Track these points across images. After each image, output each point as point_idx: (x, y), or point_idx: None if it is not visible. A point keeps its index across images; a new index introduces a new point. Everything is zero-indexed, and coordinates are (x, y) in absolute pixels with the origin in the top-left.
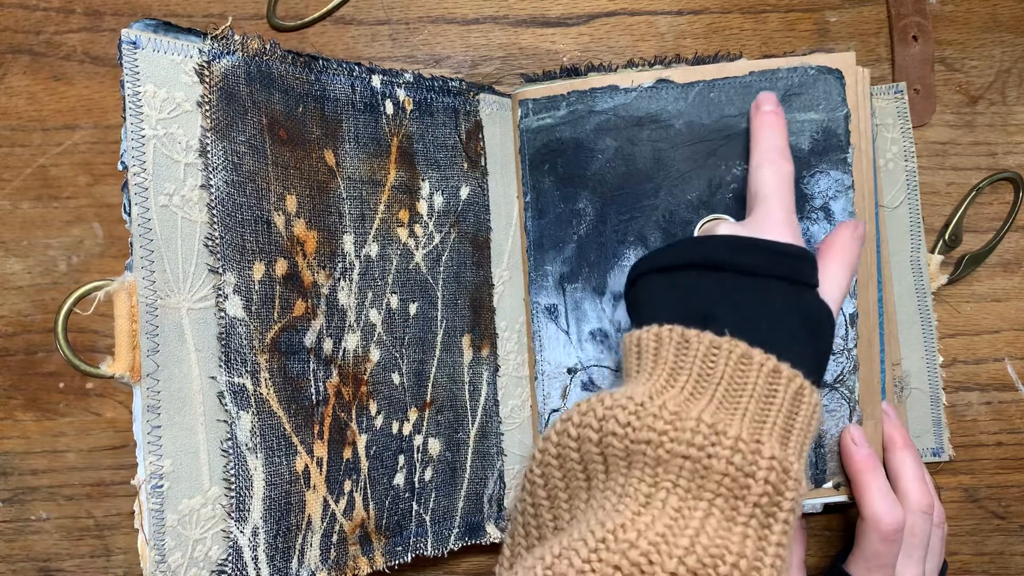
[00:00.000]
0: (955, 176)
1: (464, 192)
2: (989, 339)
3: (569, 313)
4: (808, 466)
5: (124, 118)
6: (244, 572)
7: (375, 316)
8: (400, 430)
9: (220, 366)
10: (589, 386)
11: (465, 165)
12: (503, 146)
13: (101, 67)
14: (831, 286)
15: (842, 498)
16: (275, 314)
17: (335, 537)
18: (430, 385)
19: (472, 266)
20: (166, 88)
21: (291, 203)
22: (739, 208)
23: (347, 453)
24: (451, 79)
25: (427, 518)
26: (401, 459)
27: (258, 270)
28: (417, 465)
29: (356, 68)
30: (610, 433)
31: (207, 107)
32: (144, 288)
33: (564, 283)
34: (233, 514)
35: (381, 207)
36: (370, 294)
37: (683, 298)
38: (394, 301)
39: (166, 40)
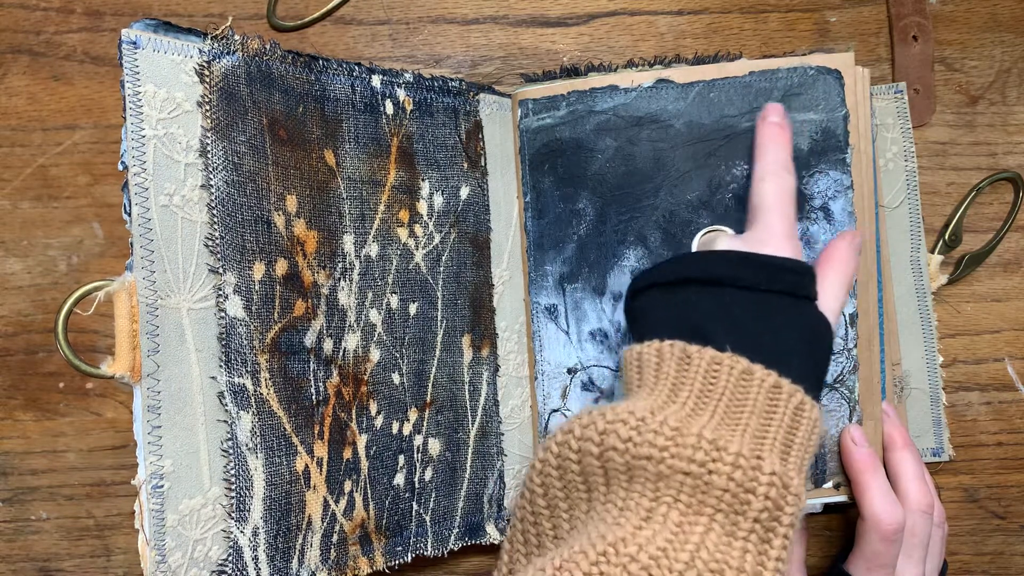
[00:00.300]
0: (955, 176)
1: (464, 192)
2: (989, 339)
3: (569, 313)
4: (808, 468)
5: (124, 118)
6: (244, 572)
7: (375, 316)
8: (400, 430)
9: (220, 366)
10: (589, 386)
11: (465, 165)
12: (503, 146)
13: (101, 67)
14: (829, 298)
15: (842, 498)
16: (275, 314)
17: (335, 537)
18: (430, 385)
19: (472, 266)
20: (166, 88)
21: (291, 203)
22: (739, 208)
23: (347, 453)
24: (451, 79)
25: (427, 518)
26: (401, 459)
27: (258, 270)
28: (417, 465)
29: (356, 68)
30: (611, 448)
31: (207, 107)
32: (144, 288)
33: (564, 283)
34: (233, 514)
35: (381, 207)
36: (370, 294)
37: (684, 314)
38: (394, 301)
39: (166, 40)
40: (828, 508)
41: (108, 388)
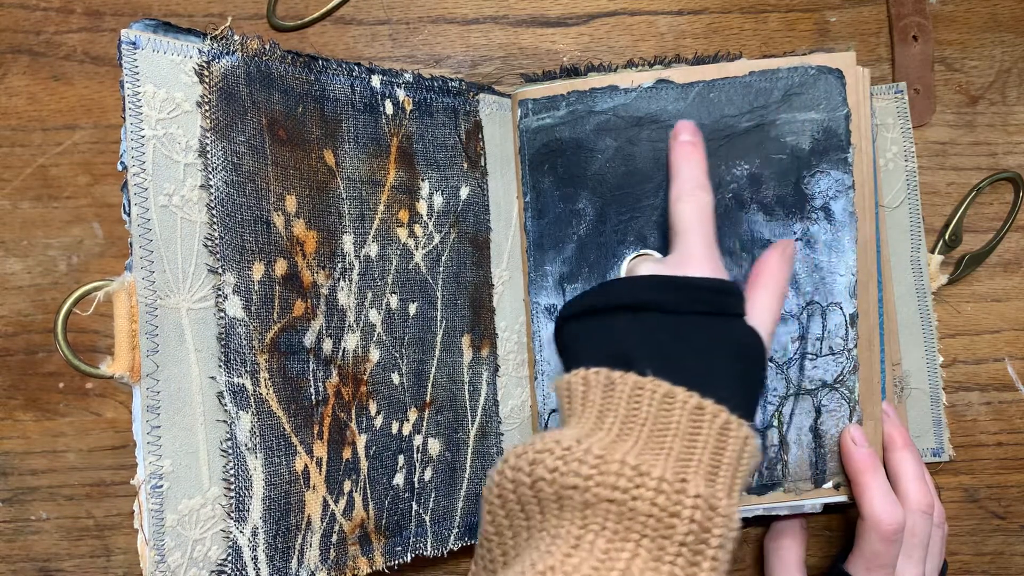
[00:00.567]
0: (955, 176)
1: (464, 192)
2: (989, 339)
3: None
4: (808, 467)
5: (124, 118)
6: (244, 572)
7: (375, 316)
8: (400, 430)
9: (220, 366)
10: None
11: (465, 165)
12: (503, 146)
13: (101, 67)
14: (759, 312)
15: (842, 498)
16: (275, 314)
17: (335, 537)
18: (430, 385)
19: (472, 266)
20: (166, 88)
21: (291, 203)
22: (739, 208)
23: (347, 453)
24: (451, 79)
25: (427, 518)
26: (401, 459)
27: (258, 270)
28: (417, 465)
29: (356, 68)
30: (540, 479)
31: (207, 107)
32: (144, 288)
33: (564, 283)
34: (233, 514)
35: (381, 207)
36: (370, 294)
37: (607, 341)
38: (394, 301)
39: (166, 40)
40: (828, 508)
41: (108, 388)
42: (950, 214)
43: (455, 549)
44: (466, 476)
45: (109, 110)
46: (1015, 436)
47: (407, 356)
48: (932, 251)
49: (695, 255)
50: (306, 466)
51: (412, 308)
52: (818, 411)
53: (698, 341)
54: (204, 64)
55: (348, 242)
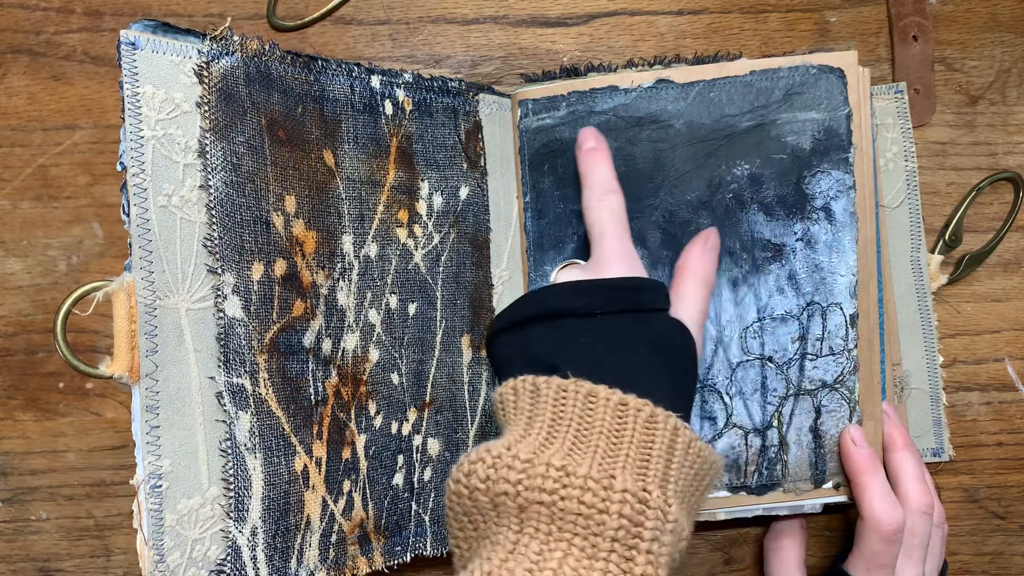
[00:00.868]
0: (955, 176)
1: (463, 192)
2: (989, 339)
3: None
4: (808, 467)
5: (123, 119)
6: (243, 572)
7: (374, 316)
8: (399, 430)
9: (219, 366)
10: None
11: (464, 165)
12: (503, 146)
13: (101, 67)
14: (685, 304)
15: (842, 498)
16: (274, 314)
17: (334, 537)
18: (429, 385)
19: (471, 266)
20: (165, 89)
21: (290, 203)
22: (739, 208)
23: (346, 453)
24: (451, 79)
25: (426, 518)
26: (400, 459)
27: (257, 270)
28: (416, 465)
29: (355, 68)
30: (475, 488)
31: (206, 108)
32: (143, 288)
33: None
34: (232, 514)
35: (380, 207)
36: (369, 294)
37: (532, 350)
38: (393, 301)
39: (165, 41)
40: (828, 508)
41: (108, 388)
42: (950, 214)
43: None
44: None
45: (109, 110)
46: (1015, 436)
47: (407, 356)
48: (932, 251)
49: (610, 257)
50: (305, 466)
51: (412, 308)
52: (818, 411)
53: (617, 340)
54: (203, 65)
55: (347, 242)
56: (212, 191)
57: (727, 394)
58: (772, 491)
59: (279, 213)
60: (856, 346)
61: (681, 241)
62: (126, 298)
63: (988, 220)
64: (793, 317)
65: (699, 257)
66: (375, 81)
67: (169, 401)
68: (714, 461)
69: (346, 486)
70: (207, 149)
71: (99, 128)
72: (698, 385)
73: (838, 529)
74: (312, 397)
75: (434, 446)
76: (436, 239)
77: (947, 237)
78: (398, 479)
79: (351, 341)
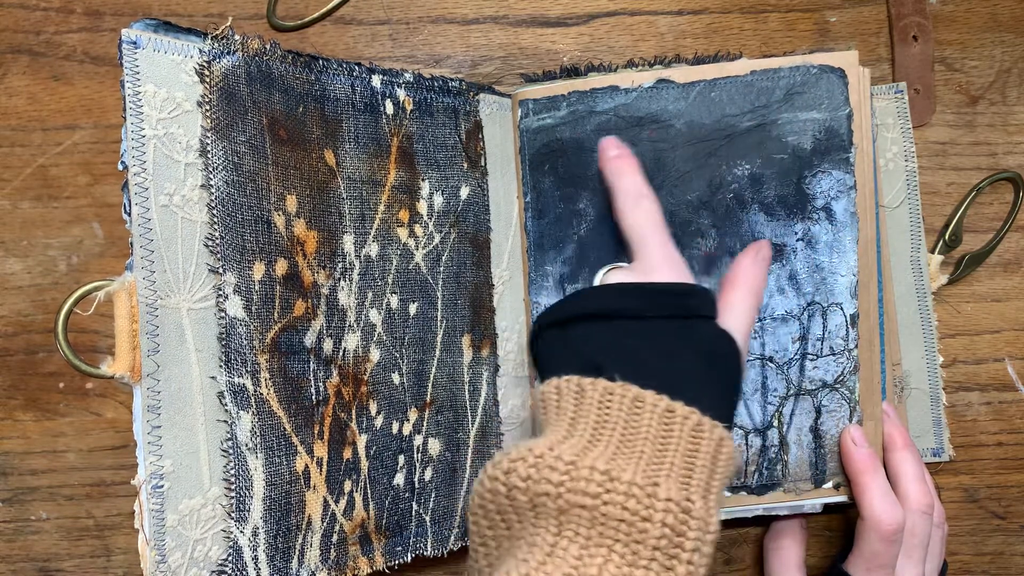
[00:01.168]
0: (955, 176)
1: (464, 192)
2: (989, 339)
3: None
4: (808, 467)
5: (124, 118)
6: (244, 572)
7: (375, 316)
8: (400, 430)
9: (220, 366)
10: None
11: (465, 165)
12: (503, 146)
13: (101, 67)
14: (733, 314)
15: (842, 498)
16: (275, 314)
17: (335, 537)
18: (430, 385)
19: (472, 266)
20: (166, 88)
21: (291, 203)
22: (739, 208)
23: (347, 453)
24: (451, 79)
25: (427, 518)
26: (401, 459)
27: (258, 270)
28: (417, 465)
29: (356, 68)
30: (514, 487)
31: (207, 107)
32: (144, 288)
33: (564, 283)
34: (233, 514)
35: (381, 207)
36: (370, 294)
37: (578, 350)
38: (394, 301)
39: (166, 40)
40: (828, 508)
41: (108, 388)
42: (950, 214)
43: (455, 549)
44: (466, 476)
45: (109, 110)
46: (1015, 436)
47: (407, 356)
48: (932, 251)
49: (656, 261)
50: (307, 466)
51: (412, 308)
52: (818, 411)
53: (665, 345)
54: (205, 64)
55: (348, 242)
56: (213, 190)
57: None
58: (772, 491)
59: (280, 213)
60: (856, 346)
61: (681, 241)
62: (127, 297)
63: (988, 220)
64: (794, 317)
65: (750, 268)
66: (376, 81)
67: (170, 401)
68: (738, 467)
69: (347, 486)
70: (208, 148)
71: (99, 128)
72: None
73: (838, 529)
74: (313, 397)
75: (435, 446)
76: (437, 239)
77: (947, 237)
78: (399, 479)
79: (352, 341)
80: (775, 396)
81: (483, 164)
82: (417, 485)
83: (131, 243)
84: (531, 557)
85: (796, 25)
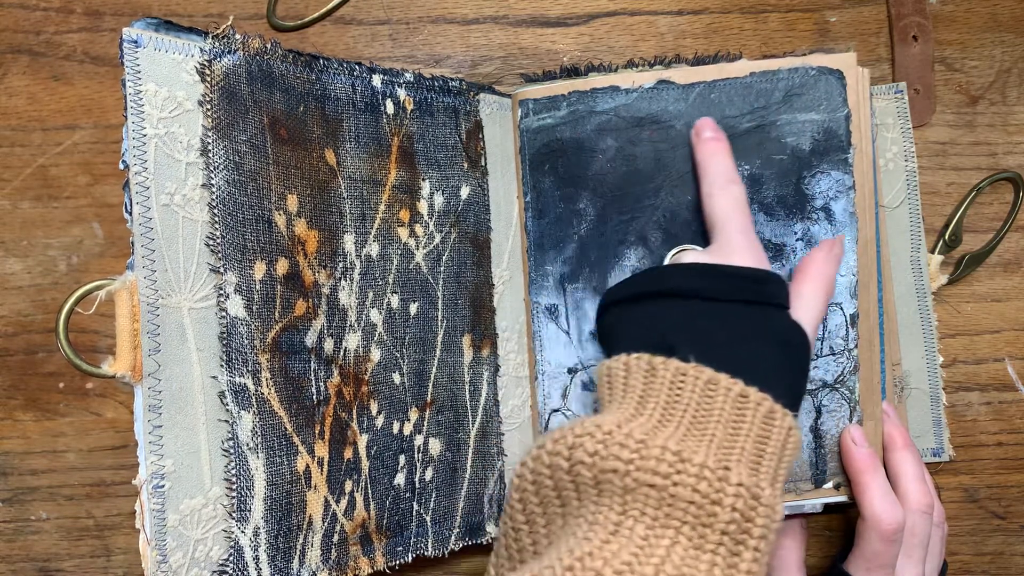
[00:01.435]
0: (955, 176)
1: (464, 192)
2: (989, 339)
3: (570, 313)
4: (808, 467)
5: (125, 117)
6: (245, 572)
7: (376, 316)
8: (401, 430)
9: (221, 366)
10: (589, 386)
11: (465, 165)
12: (503, 146)
13: (101, 67)
14: (805, 307)
15: (842, 498)
16: (276, 314)
17: (336, 537)
18: (431, 385)
19: (472, 266)
20: (167, 87)
21: (292, 202)
22: None
23: (348, 453)
24: (451, 79)
25: (428, 518)
26: (402, 459)
27: (259, 269)
28: (418, 465)
29: (357, 68)
30: (579, 462)
31: (208, 106)
32: (145, 287)
33: (565, 283)
34: (234, 514)
35: (382, 207)
36: (371, 294)
37: (650, 327)
38: (395, 301)
39: (167, 39)
40: (828, 508)
41: (108, 388)
42: (950, 214)
43: (456, 549)
44: (467, 476)
45: (109, 110)
46: (1015, 436)
47: (408, 356)
48: (932, 251)
49: (737, 245)
50: (307, 466)
51: (413, 308)
52: (818, 411)
53: (741, 329)
54: (206, 63)
55: (349, 241)
56: (214, 190)
57: None
58: None
59: (281, 212)
60: (856, 346)
61: (681, 241)
62: (129, 297)
63: (988, 220)
64: None
65: (824, 262)
66: (376, 80)
67: (172, 401)
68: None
69: (348, 486)
70: (209, 148)
71: (99, 128)
72: None
73: (838, 529)
74: (314, 397)
75: (435, 446)
76: (437, 239)
77: (947, 237)
78: (400, 479)
79: (353, 341)
80: None
81: (483, 164)
82: (418, 485)
83: (132, 242)
84: (593, 535)
85: (796, 25)
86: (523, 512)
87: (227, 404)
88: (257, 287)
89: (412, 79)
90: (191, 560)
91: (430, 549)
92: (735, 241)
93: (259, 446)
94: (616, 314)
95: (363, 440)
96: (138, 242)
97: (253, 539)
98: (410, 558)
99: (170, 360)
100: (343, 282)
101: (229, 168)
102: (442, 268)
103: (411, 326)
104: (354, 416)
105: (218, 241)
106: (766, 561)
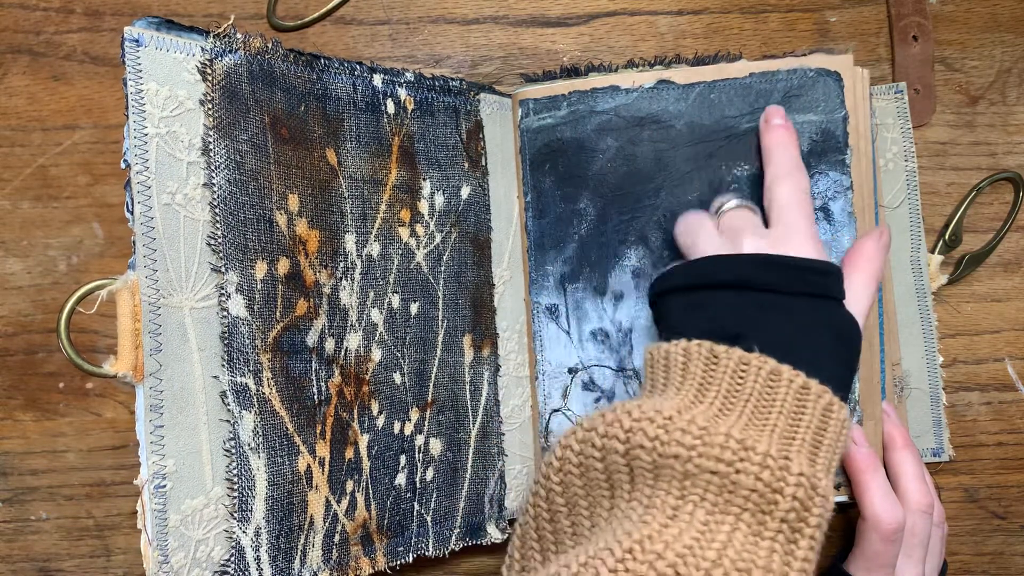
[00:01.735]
0: (955, 176)
1: (465, 192)
2: (989, 339)
3: (570, 313)
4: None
5: (127, 116)
6: (246, 572)
7: (376, 316)
8: (402, 430)
9: (223, 365)
10: (590, 386)
11: (466, 165)
12: (504, 146)
13: (101, 67)
14: (856, 298)
15: (842, 498)
16: (277, 313)
17: (337, 537)
18: (431, 385)
19: (473, 266)
20: (169, 86)
21: (293, 202)
22: None
23: (349, 453)
24: (451, 79)
25: (428, 518)
26: (403, 459)
27: (260, 269)
28: (419, 465)
29: (357, 67)
30: (638, 446)
31: (209, 105)
32: (147, 287)
33: (565, 283)
34: (236, 514)
35: (383, 206)
36: (372, 294)
37: (711, 315)
38: (395, 301)
39: (169, 38)
40: None
41: (108, 388)
42: (950, 214)
43: (456, 549)
44: (467, 476)
45: (109, 110)
46: (1015, 436)
47: (409, 356)
48: (932, 251)
49: (799, 235)
50: (309, 466)
51: (414, 308)
52: None
53: (802, 321)
54: (207, 62)
55: (350, 241)
56: (216, 189)
57: None
58: None
59: (282, 212)
60: None
61: None
62: (130, 296)
63: (988, 220)
64: None
65: (874, 254)
66: (377, 80)
67: (173, 400)
68: None
69: (349, 486)
70: (211, 147)
71: (99, 128)
72: None
73: (838, 529)
74: (315, 397)
75: (436, 446)
76: (438, 238)
77: (947, 237)
78: (400, 479)
79: (354, 340)
80: None
81: (484, 164)
82: (419, 485)
83: (133, 242)
84: (651, 519)
85: (796, 25)
86: (563, 495)
87: (228, 404)
88: (258, 287)
89: (413, 79)
90: (192, 560)
91: (431, 549)
92: (797, 230)
93: (260, 446)
94: (675, 302)
95: (364, 440)
96: (139, 241)
97: (254, 539)
98: (411, 558)
99: (171, 360)
100: (344, 282)
101: (230, 167)
102: (443, 268)
103: (412, 326)
104: (355, 416)
105: (219, 240)
106: (818, 550)
